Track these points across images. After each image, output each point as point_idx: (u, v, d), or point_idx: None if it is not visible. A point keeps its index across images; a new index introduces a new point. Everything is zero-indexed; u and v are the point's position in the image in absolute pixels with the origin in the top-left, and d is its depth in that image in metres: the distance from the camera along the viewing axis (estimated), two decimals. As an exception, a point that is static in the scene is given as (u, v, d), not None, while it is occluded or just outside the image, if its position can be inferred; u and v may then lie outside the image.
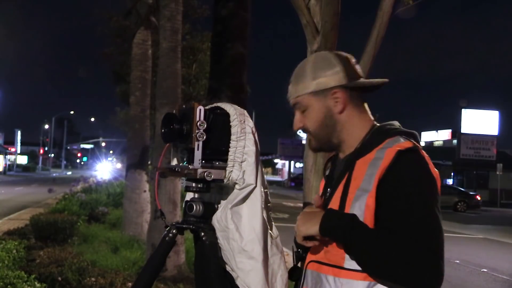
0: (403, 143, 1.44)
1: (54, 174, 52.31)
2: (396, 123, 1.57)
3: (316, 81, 1.55)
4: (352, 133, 1.56)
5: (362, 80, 1.57)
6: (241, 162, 1.54)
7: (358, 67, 1.60)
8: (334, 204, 1.48)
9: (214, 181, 1.55)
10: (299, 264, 1.62)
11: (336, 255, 1.44)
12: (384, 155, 1.43)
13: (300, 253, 1.59)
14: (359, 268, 1.40)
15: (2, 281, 4.71)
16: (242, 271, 1.54)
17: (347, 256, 1.42)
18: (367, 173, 1.43)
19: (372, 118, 1.60)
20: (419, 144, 1.49)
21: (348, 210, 1.43)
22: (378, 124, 1.58)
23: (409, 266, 1.33)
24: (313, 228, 1.42)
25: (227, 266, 1.57)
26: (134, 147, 10.02)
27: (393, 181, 1.40)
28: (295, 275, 1.62)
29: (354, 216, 1.39)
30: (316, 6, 3.53)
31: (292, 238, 1.61)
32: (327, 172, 1.71)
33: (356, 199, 1.42)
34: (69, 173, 62.21)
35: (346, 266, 1.42)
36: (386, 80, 1.61)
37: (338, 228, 1.39)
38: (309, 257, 1.53)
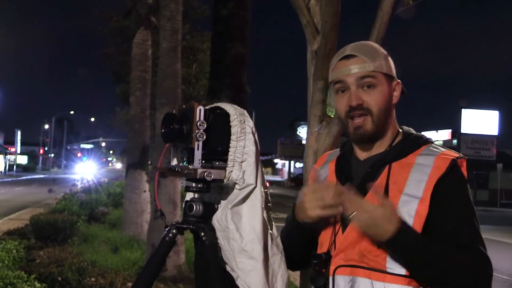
0: (449, 152, 1.46)
1: (51, 175, 51.60)
2: (409, 127, 1.59)
3: (389, 65, 1.53)
4: (389, 130, 1.55)
5: None
6: (241, 162, 1.54)
7: None
8: None
9: (214, 181, 1.55)
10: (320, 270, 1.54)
11: (376, 259, 1.41)
12: (432, 162, 1.43)
13: (325, 258, 1.51)
14: (402, 272, 1.39)
15: (2, 281, 4.71)
16: (242, 271, 1.53)
17: (388, 260, 1.40)
18: (412, 179, 1.42)
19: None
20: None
21: None
22: (404, 129, 1.58)
23: (478, 276, 1.36)
24: (385, 234, 1.33)
25: (227, 266, 1.57)
26: (134, 147, 10.03)
27: (448, 191, 1.41)
28: (321, 281, 1.52)
29: (422, 236, 1.37)
30: (316, 6, 3.52)
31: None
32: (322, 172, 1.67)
33: (403, 205, 1.40)
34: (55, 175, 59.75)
35: (388, 270, 1.40)
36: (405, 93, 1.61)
37: (411, 247, 1.35)
38: (336, 261, 1.48)
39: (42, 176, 50.45)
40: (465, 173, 1.46)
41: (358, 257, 1.44)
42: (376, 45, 1.58)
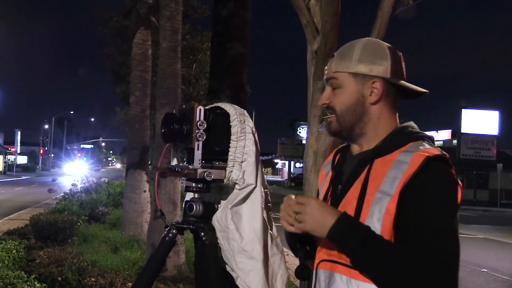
0: (431, 150, 1.40)
1: (38, 178, 49.84)
2: (414, 124, 1.55)
3: (361, 64, 1.50)
4: (377, 129, 1.52)
5: (404, 82, 1.53)
6: (241, 162, 1.54)
7: (404, 69, 1.56)
8: (350, 203, 1.43)
9: (214, 181, 1.55)
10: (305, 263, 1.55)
11: None
12: (410, 159, 1.38)
13: (309, 251, 1.52)
14: None
15: (2, 281, 4.71)
16: (242, 271, 1.53)
17: None
18: (389, 176, 1.39)
19: (398, 122, 1.55)
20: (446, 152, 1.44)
21: (366, 212, 1.38)
22: (399, 126, 1.54)
23: (424, 280, 1.29)
24: (321, 230, 1.36)
25: (227, 266, 1.57)
26: (134, 147, 10.02)
27: (418, 188, 1.35)
28: (305, 274, 1.54)
29: (369, 230, 1.34)
30: (316, 6, 3.53)
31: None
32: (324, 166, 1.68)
33: (376, 202, 1.38)
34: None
35: None
36: (426, 91, 1.56)
37: (350, 240, 1.33)
38: (320, 256, 1.48)
39: (32, 176, 49.35)
40: (448, 172, 1.40)
41: (337, 253, 1.42)
42: (359, 42, 1.54)
